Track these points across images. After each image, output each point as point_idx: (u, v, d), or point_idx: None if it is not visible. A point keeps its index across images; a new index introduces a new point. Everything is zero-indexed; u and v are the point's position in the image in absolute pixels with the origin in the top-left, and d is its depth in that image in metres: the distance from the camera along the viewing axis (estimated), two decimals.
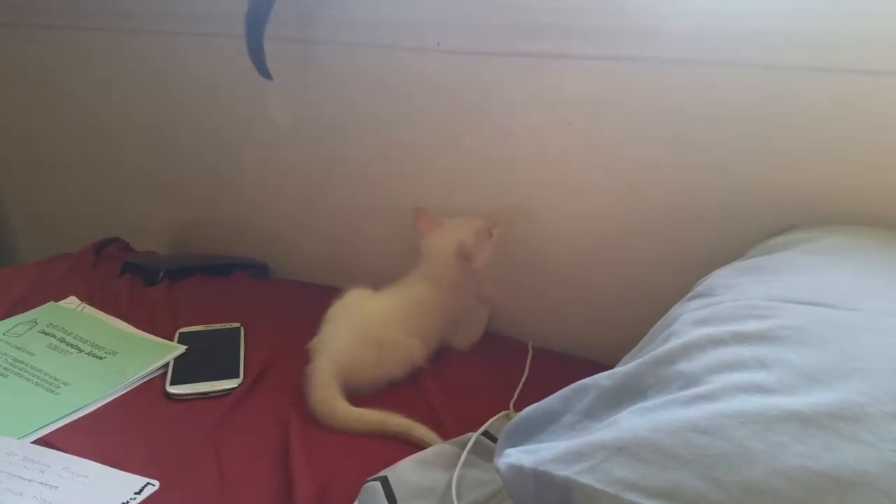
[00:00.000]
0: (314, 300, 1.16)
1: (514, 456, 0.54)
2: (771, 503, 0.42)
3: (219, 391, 0.96)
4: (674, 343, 0.57)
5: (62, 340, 1.06)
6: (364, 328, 1.00)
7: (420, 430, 0.88)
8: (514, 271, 1.18)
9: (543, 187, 1.10)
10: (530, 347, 1.10)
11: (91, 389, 0.95)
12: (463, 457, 0.76)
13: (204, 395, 0.95)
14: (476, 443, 0.80)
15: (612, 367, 0.66)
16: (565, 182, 1.08)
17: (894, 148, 0.86)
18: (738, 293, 0.65)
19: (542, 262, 1.15)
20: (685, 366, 0.54)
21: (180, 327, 1.12)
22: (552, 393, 0.65)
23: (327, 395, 0.92)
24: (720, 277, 0.72)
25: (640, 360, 0.58)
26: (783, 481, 0.43)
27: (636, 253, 1.06)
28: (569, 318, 1.15)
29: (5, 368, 0.99)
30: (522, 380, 1.01)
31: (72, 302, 1.19)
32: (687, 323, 0.61)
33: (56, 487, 0.74)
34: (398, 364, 1.00)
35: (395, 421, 0.89)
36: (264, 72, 1.17)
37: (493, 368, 1.05)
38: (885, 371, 0.49)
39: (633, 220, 1.05)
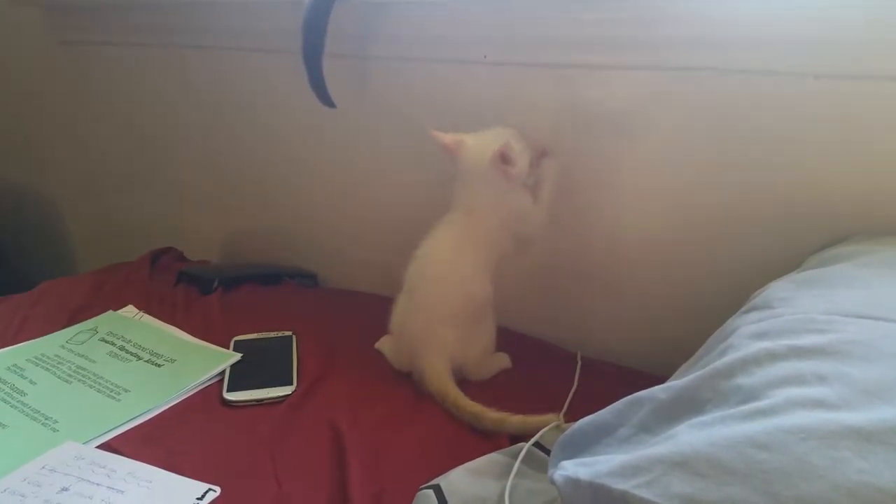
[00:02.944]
0: (363, 308, 1.18)
1: (571, 469, 0.55)
2: None
3: (273, 398, 0.98)
4: (732, 357, 0.57)
5: (122, 348, 1.10)
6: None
7: (516, 420, 0.89)
8: (562, 281, 1.18)
9: (592, 197, 1.11)
10: (579, 357, 1.10)
11: (151, 396, 0.97)
12: (515, 467, 0.77)
13: (259, 402, 0.97)
14: (527, 453, 0.81)
15: (662, 378, 0.66)
16: (615, 191, 1.08)
17: None
18: (796, 306, 0.64)
19: (590, 271, 1.15)
20: (744, 380, 0.54)
21: (235, 335, 1.15)
22: (602, 404, 0.65)
23: (442, 379, 0.97)
24: (777, 290, 0.71)
25: (697, 374, 0.58)
26: (845, 498, 0.43)
27: (687, 263, 1.05)
28: (618, 329, 1.15)
29: (69, 375, 1.02)
30: (572, 390, 1.01)
31: (130, 311, 1.23)
32: (744, 336, 0.61)
33: (122, 492, 0.76)
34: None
35: (490, 416, 0.91)
36: (327, 101, 1.18)
37: (542, 378, 1.06)
38: None
39: (683, 231, 1.04)
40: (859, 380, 0.51)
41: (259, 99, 1.42)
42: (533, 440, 0.83)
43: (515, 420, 0.89)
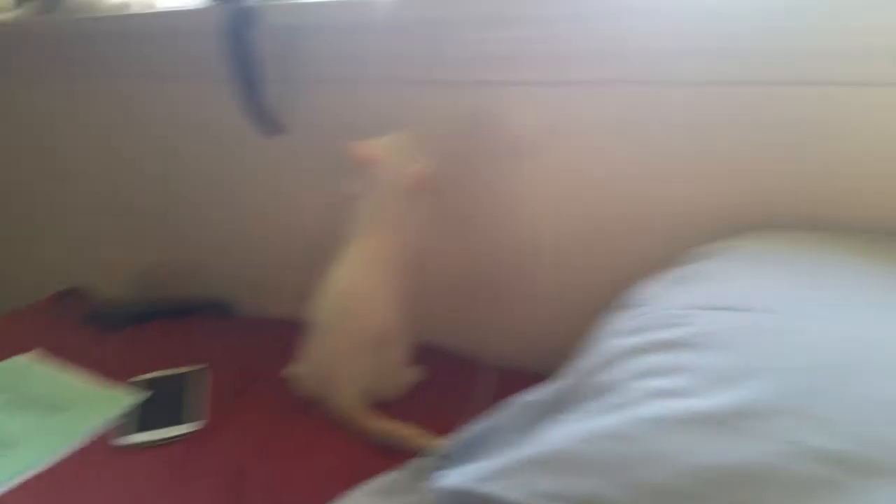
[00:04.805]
0: (276, 336, 1.16)
1: (446, 478, 0.55)
2: (680, 502, 0.44)
3: (175, 437, 0.96)
4: (595, 355, 0.59)
5: (17, 397, 1.06)
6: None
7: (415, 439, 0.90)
8: (468, 290, 1.20)
9: (490, 207, 1.13)
10: (483, 365, 1.11)
11: (45, 447, 0.94)
12: (405, 484, 0.77)
13: (161, 442, 0.95)
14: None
15: None
16: (497, 198, 1.11)
17: (830, 154, 0.89)
18: (661, 303, 0.66)
19: (486, 276, 1.17)
20: (604, 377, 0.56)
21: (144, 373, 1.12)
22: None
23: (353, 406, 0.97)
24: (645, 288, 0.73)
25: (565, 375, 0.59)
26: (690, 480, 0.44)
27: (585, 268, 1.08)
28: (517, 334, 1.17)
29: None
30: (475, 399, 1.00)
31: (31, 357, 1.19)
32: (609, 334, 0.63)
33: None
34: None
35: (402, 433, 0.92)
36: (270, 128, 1.17)
37: (454, 391, 1.05)
38: (790, 369, 0.51)
39: (571, 233, 1.07)
40: (709, 367, 0.53)
41: (161, 128, 1.39)
42: (426, 456, 0.82)
43: (423, 438, 0.90)
